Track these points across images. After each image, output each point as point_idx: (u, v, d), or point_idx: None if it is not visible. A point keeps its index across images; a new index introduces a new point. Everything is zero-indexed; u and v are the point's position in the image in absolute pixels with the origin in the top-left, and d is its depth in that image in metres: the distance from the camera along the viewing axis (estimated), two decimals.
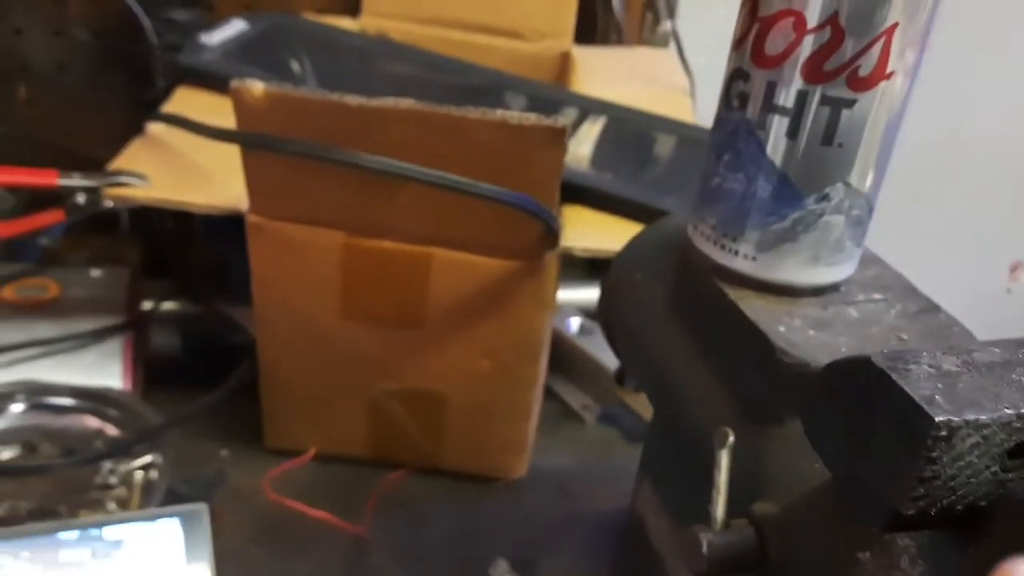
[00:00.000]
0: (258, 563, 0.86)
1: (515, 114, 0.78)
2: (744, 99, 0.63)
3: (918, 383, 0.44)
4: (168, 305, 1.05)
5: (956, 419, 0.42)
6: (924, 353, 0.46)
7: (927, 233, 1.45)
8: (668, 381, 0.72)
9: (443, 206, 0.81)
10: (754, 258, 0.65)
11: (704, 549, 0.57)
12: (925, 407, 0.42)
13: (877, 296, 0.67)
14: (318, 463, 0.96)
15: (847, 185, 0.62)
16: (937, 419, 0.41)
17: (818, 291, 0.66)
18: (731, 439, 0.59)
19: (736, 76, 0.63)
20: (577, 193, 0.93)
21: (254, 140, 0.78)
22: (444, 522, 0.94)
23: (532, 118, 0.78)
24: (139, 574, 0.71)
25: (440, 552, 0.91)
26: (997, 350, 0.47)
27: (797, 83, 0.60)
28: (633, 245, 0.80)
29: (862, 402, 0.45)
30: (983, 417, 0.42)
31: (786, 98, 0.61)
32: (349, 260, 0.85)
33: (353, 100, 0.77)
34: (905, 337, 0.63)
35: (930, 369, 0.45)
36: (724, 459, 0.58)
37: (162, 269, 1.09)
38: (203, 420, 0.95)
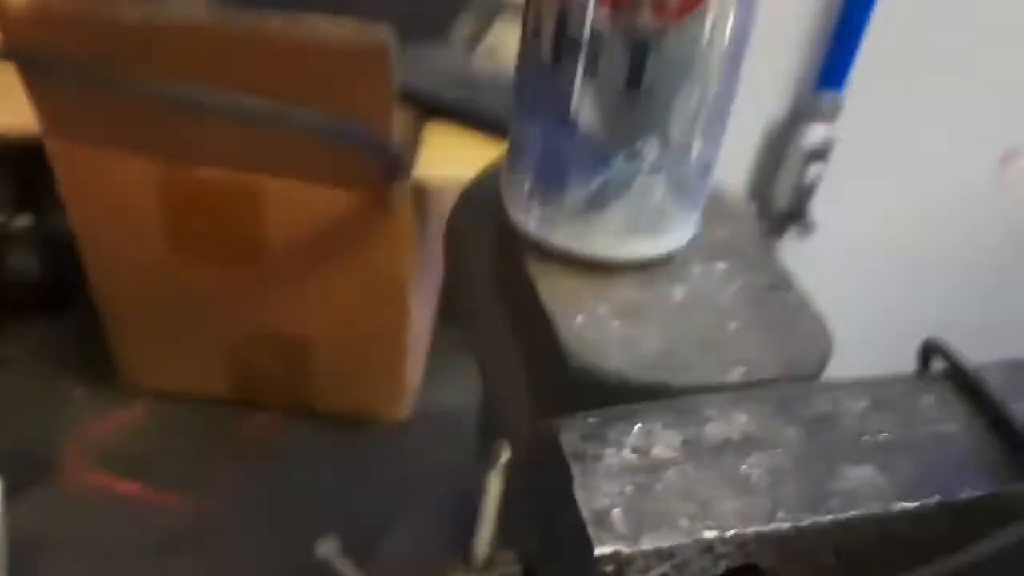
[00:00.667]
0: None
1: (326, 25, 0.64)
2: (537, 31, 0.49)
3: (600, 486, 0.32)
4: (23, 221, 0.95)
5: (627, 549, 0.30)
6: (635, 428, 0.34)
7: (909, 122, 1.27)
8: (484, 362, 0.61)
9: (265, 130, 0.69)
10: (560, 228, 0.52)
11: None
12: (590, 531, 0.31)
13: (719, 266, 0.54)
14: (181, 403, 0.89)
15: (664, 139, 0.49)
16: (597, 551, 0.30)
17: (644, 264, 0.53)
18: (503, 459, 0.49)
19: (528, 2, 0.49)
20: (443, 110, 0.79)
21: (15, 57, 0.66)
22: (312, 474, 0.86)
23: (347, 32, 0.64)
24: None
25: (307, 505, 0.84)
26: (744, 417, 0.35)
27: (591, 10, 0.46)
28: (476, 184, 0.67)
29: (552, 497, 0.34)
30: (667, 544, 0.30)
31: (579, 30, 0.46)
32: (168, 190, 0.74)
33: (131, 13, 0.64)
34: (733, 327, 0.50)
35: (630, 457, 0.33)
36: (493, 483, 0.48)
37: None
38: (57, 354, 0.88)
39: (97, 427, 0.86)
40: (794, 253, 1.45)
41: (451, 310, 0.97)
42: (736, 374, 0.49)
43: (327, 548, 0.71)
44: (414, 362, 0.89)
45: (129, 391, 0.89)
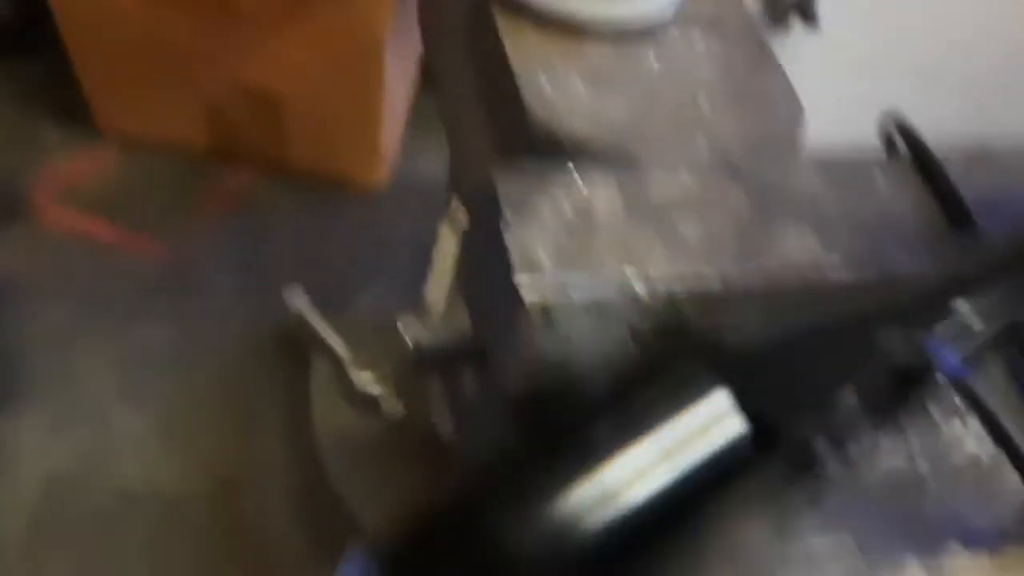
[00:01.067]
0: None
1: None
2: None
3: (534, 235, 0.32)
4: None
5: (553, 298, 0.30)
6: (578, 181, 0.34)
7: None
8: (452, 126, 0.60)
9: None
10: None
11: (408, 343, 0.49)
12: (518, 278, 0.31)
13: (701, 41, 0.52)
14: (159, 152, 0.88)
15: None
16: (524, 297, 0.30)
17: (620, 31, 0.51)
18: (464, 224, 0.49)
19: None
20: None
21: None
22: (286, 230, 0.87)
23: None
24: None
25: (277, 262, 0.85)
26: (687, 178, 0.34)
27: None
28: None
29: (488, 244, 0.34)
30: (594, 295, 0.31)
31: None
32: None
33: None
34: (706, 102, 0.49)
35: (567, 208, 0.33)
36: (445, 236, 0.48)
37: None
38: (32, 97, 0.86)
39: (73, 169, 0.85)
40: (796, 57, 1.40)
41: (431, 84, 0.95)
42: (701, 148, 0.48)
43: (295, 297, 0.73)
44: (391, 130, 0.88)
45: (105, 136, 0.88)
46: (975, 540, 0.27)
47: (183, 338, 0.80)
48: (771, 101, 0.50)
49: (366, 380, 0.69)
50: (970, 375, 0.24)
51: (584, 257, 0.31)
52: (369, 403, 0.69)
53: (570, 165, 0.35)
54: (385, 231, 0.87)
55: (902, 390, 0.25)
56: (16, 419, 0.73)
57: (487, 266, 0.35)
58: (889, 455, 0.28)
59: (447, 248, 0.45)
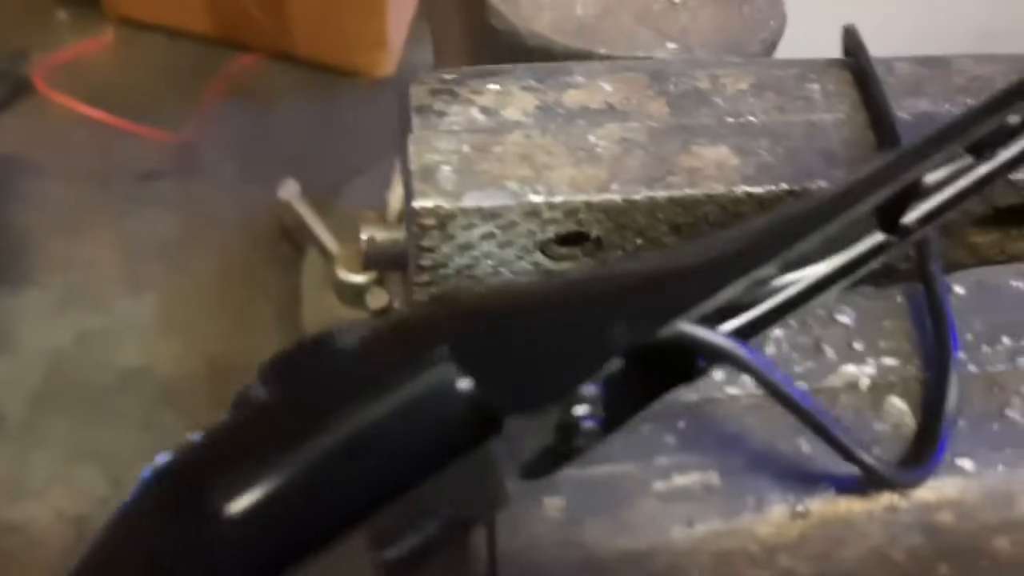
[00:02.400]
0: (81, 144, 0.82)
1: None
2: None
3: (437, 141, 0.31)
4: None
5: (447, 205, 0.30)
6: (491, 86, 0.33)
7: None
8: (434, 30, 0.59)
9: None
10: None
11: (363, 243, 0.49)
12: (413, 184, 0.30)
13: None
14: (164, 37, 0.88)
15: None
16: (416, 204, 0.30)
17: None
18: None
19: None
20: None
21: None
22: (290, 119, 0.86)
23: None
24: None
25: (279, 150, 0.85)
26: (611, 88, 0.33)
27: None
28: None
29: (401, 150, 0.33)
30: (490, 204, 0.30)
31: None
32: None
33: None
34: (681, 4, 0.47)
35: (478, 116, 0.32)
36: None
37: None
38: None
39: (78, 52, 0.85)
40: None
41: None
42: (668, 48, 0.46)
43: (287, 189, 0.73)
44: (397, 19, 0.86)
45: (110, 20, 0.87)
46: (847, 483, 0.27)
47: (183, 224, 0.81)
48: (755, 6, 0.48)
49: (352, 272, 0.69)
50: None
51: (484, 165, 0.31)
52: (355, 294, 0.70)
53: (487, 69, 0.34)
54: (388, 121, 0.86)
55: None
56: (21, 298, 0.75)
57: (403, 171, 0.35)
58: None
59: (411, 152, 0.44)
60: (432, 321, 0.23)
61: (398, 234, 0.46)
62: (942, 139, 0.27)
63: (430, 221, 0.30)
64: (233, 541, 0.19)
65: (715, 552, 0.26)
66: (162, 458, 0.21)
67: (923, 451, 0.27)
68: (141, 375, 0.73)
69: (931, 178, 0.27)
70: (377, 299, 0.69)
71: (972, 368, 0.29)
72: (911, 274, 0.32)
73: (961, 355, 0.29)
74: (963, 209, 0.34)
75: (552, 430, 0.22)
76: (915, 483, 0.27)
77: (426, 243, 0.31)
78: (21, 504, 0.67)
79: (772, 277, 0.25)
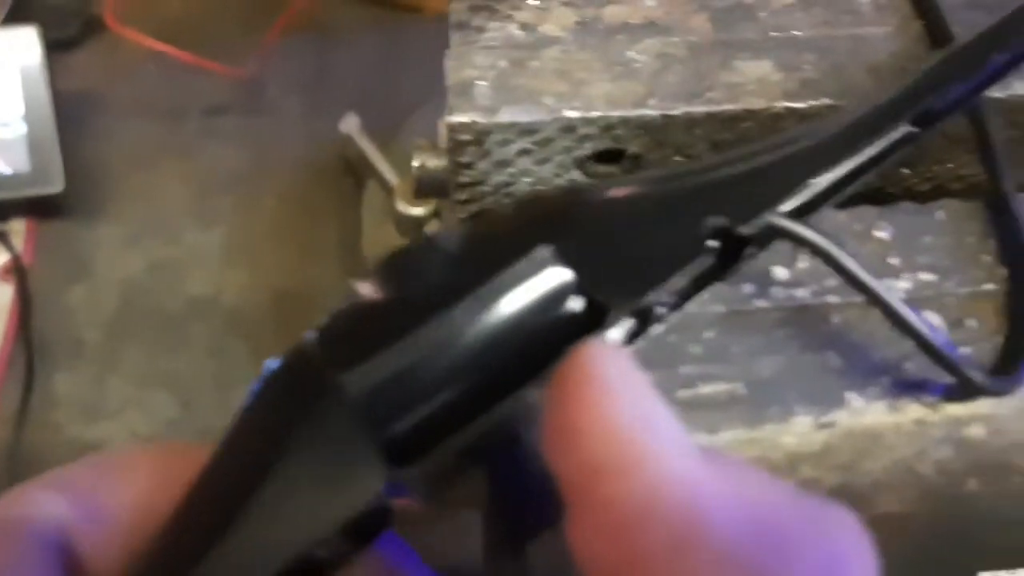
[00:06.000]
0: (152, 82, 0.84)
1: None
2: None
3: (474, 58, 0.32)
4: None
5: (483, 120, 0.30)
6: (531, 1, 0.33)
7: None
8: None
9: None
10: None
11: (415, 170, 0.50)
12: (449, 100, 0.31)
13: None
14: None
15: None
16: (452, 119, 0.30)
17: None
18: None
19: None
20: None
21: None
22: (354, 53, 0.87)
23: None
24: None
25: (343, 85, 0.86)
26: (653, 1, 0.33)
27: None
28: None
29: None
30: (526, 119, 0.30)
31: None
32: None
33: None
34: None
35: (516, 33, 0.32)
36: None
37: None
38: None
39: None
40: None
41: None
42: None
43: (349, 124, 0.74)
44: None
45: None
46: (875, 390, 0.27)
47: (249, 159, 0.82)
48: None
49: (411, 204, 0.70)
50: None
51: (521, 80, 0.31)
52: (414, 226, 0.71)
53: None
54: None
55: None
56: (95, 230, 0.78)
57: None
58: (784, 293, 0.28)
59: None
60: (528, 218, 0.23)
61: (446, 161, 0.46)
62: (995, 40, 0.26)
63: (466, 136, 0.31)
64: (365, 428, 0.20)
65: None
66: (273, 363, 0.22)
67: (1009, 361, 0.27)
68: (209, 304, 0.75)
69: None
70: (433, 229, 0.70)
71: None
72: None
73: (1003, 272, 0.28)
74: (1020, 125, 0.33)
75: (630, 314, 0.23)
76: (1009, 391, 0.27)
77: (464, 159, 0.31)
78: (99, 425, 0.71)
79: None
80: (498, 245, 0.22)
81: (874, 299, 0.24)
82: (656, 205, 0.23)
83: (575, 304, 0.21)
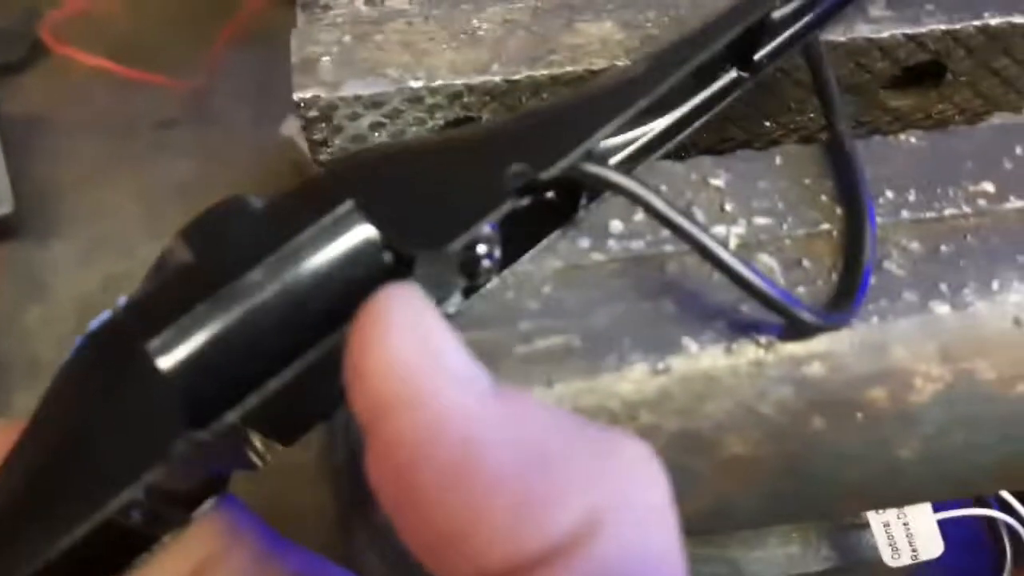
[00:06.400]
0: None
1: None
2: None
3: (318, 35, 0.32)
4: None
5: (327, 95, 0.31)
6: None
7: None
8: None
9: None
10: None
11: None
12: (293, 78, 0.31)
13: None
14: None
15: None
16: (296, 96, 0.31)
17: None
18: None
19: None
20: None
21: None
22: None
23: None
24: None
25: (289, 92, 0.86)
26: None
27: None
28: None
29: None
30: (370, 92, 0.31)
31: None
32: None
33: None
34: None
35: (362, 9, 0.33)
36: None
37: None
38: None
39: (92, 6, 0.88)
40: None
41: None
42: None
43: (290, 126, 0.75)
44: None
45: None
46: (711, 335, 0.27)
47: (200, 169, 0.83)
48: None
49: None
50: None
51: (365, 55, 0.31)
52: None
53: None
54: None
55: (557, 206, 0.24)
56: (49, 250, 0.79)
57: None
58: (621, 240, 0.28)
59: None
60: (335, 175, 0.24)
61: None
62: None
63: (314, 113, 0.31)
64: (169, 392, 0.20)
65: (575, 410, 0.26)
66: (94, 323, 0.23)
67: (843, 298, 0.27)
68: None
69: (778, 15, 0.26)
70: None
71: None
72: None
73: (838, 211, 0.29)
74: (868, 68, 0.33)
75: (456, 269, 0.23)
76: (840, 326, 0.27)
77: (316, 136, 0.32)
78: None
79: (646, 113, 0.26)
80: (306, 203, 0.23)
81: (690, 242, 0.25)
82: (459, 155, 0.24)
83: (380, 256, 0.22)
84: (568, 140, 0.24)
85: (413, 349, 0.19)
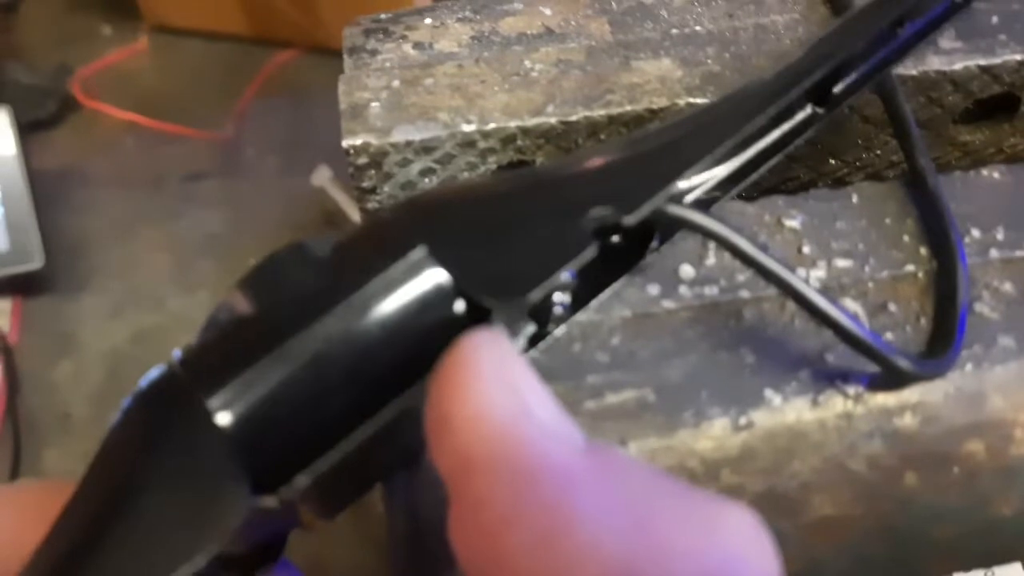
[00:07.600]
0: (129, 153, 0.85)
1: None
2: None
3: (367, 80, 0.31)
4: None
5: (377, 141, 0.29)
6: (425, 21, 0.32)
7: None
8: None
9: None
10: None
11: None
12: (343, 124, 0.30)
13: None
14: (200, 41, 0.90)
15: None
16: (345, 143, 0.30)
17: None
18: None
19: None
20: None
21: None
22: (327, 109, 0.87)
23: None
24: None
25: (318, 141, 0.86)
26: (551, 11, 0.32)
27: None
28: None
29: None
30: (420, 137, 0.29)
31: None
32: None
33: None
34: None
35: (410, 52, 0.32)
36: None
37: None
38: None
39: (119, 60, 0.88)
40: None
41: None
42: None
43: (321, 176, 0.74)
44: None
45: (151, 27, 0.90)
46: (795, 386, 0.25)
47: (230, 221, 0.82)
48: None
49: None
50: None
51: (415, 99, 0.30)
52: None
53: (425, 6, 0.33)
54: None
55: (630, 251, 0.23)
56: (79, 303, 0.78)
57: None
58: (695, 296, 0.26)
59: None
60: (402, 220, 0.22)
61: None
62: (872, 16, 0.25)
63: (364, 160, 0.30)
64: (231, 453, 0.19)
65: None
66: (145, 380, 0.21)
67: (938, 344, 0.25)
68: None
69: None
70: None
71: None
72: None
73: (923, 251, 0.27)
74: (940, 102, 0.31)
75: (526, 315, 0.22)
76: (939, 374, 0.25)
77: (365, 184, 0.31)
78: None
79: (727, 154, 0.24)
80: (373, 249, 0.21)
81: (780, 285, 0.23)
82: (535, 198, 0.22)
83: (455, 306, 0.20)
84: (653, 182, 0.22)
85: (503, 401, 0.17)
